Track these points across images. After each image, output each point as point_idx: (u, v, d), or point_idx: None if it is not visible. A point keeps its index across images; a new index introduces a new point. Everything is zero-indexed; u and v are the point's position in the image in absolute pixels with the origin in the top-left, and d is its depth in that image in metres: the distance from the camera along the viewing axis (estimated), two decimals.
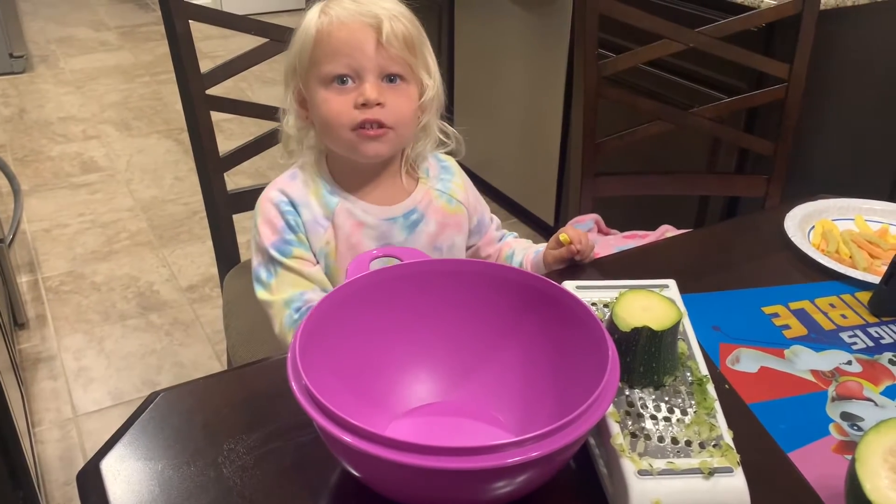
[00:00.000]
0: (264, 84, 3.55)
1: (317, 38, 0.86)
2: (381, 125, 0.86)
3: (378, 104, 0.85)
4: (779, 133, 1.49)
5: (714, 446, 0.62)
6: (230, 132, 2.92)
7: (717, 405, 0.65)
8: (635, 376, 0.66)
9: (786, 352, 0.84)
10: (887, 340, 0.86)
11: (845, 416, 0.75)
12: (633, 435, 0.63)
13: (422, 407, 0.72)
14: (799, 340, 0.85)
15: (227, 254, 1.37)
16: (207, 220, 1.38)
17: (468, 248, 1.03)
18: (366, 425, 0.55)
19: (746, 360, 0.82)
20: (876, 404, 0.77)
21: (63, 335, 1.98)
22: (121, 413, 1.73)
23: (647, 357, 0.65)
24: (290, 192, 0.92)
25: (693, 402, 0.65)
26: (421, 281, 0.72)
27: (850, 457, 0.70)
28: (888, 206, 1.10)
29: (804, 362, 0.82)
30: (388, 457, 0.54)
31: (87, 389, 1.81)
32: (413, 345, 0.73)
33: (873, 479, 0.58)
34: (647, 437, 0.63)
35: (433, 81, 0.90)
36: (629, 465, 0.60)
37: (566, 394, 0.67)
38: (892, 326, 0.88)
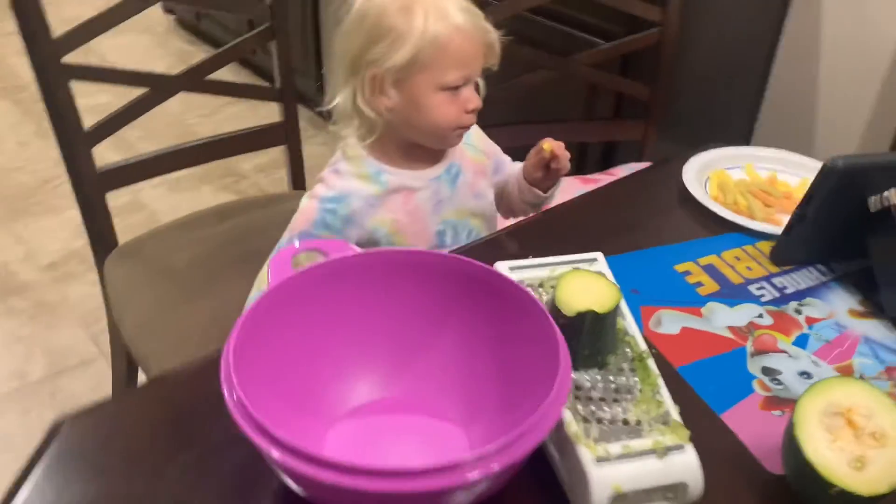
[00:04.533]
0: None
1: (439, 44, 0.87)
2: None
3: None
4: (654, 77, 1.52)
5: (663, 423, 0.63)
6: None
7: (661, 381, 0.66)
8: (579, 359, 0.65)
9: (702, 310, 0.86)
10: (790, 290, 0.90)
11: (766, 370, 0.79)
12: (585, 420, 0.62)
13: (364, 406, 0.69)
14: (712, 297, 0.88)
15: (101, 236, 1.26)
16: (76, 199, 1.25)
17: (497, 187, 1.10)
18: (306, 433, 0.52)
19: (668, 322, 0.84)
20: (789, 355, 0.81)
21: None
22: None
23: (591, 339, 0.65)
24: (337, 184, 0.95)
25: (636, 380, 0.66)
26: (350, 276, 0.68)
27: (777, 412, 0.73)
28: (776, 154, 1.15)
29: (720, 319, 0.85)
30: (336, 482, 0.51)
31: None
32: (349, 343, 0.69)
33: (812, 442, 0.61)
34: (599, 421, 0.62)
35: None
36: (586, 453, 0.60)
37: (512, 381, 0.66)
38: (793, 276, 0.93)
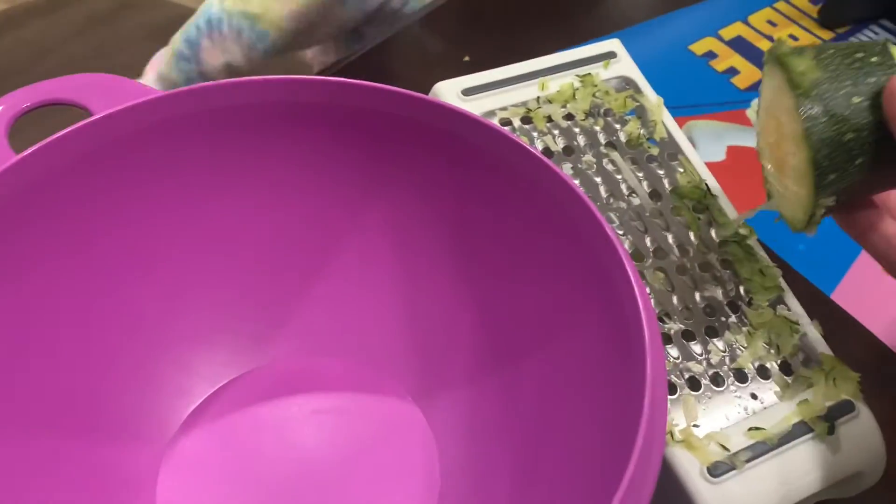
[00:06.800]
0: None
1: None
2: None
3: None
4: None
5: (804, 364, 0.33)
6: None
7: (780, 276, 0.35)
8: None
9: (748, 112, 0.54)
10: None
11: None
12: (671, 388, 0.32)
13: (230, 389, 0.36)
14: (756, 90, 0.56)
15: None
16: None
17: None
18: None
19: (706, 140, 0.52)
20: None
21: None
22: None
23: None
24: None
25: (735, 279, 0.35)
26: (158, 147, 0.32)
27: None
28: None
29: None
30: None
31: None
32: (177, 286, 0.34)
33: None
34: (692, 384, 0.32)
35: None
36: (687, 460, 0.30)
37: (501, 318, 0.34)
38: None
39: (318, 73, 0.56)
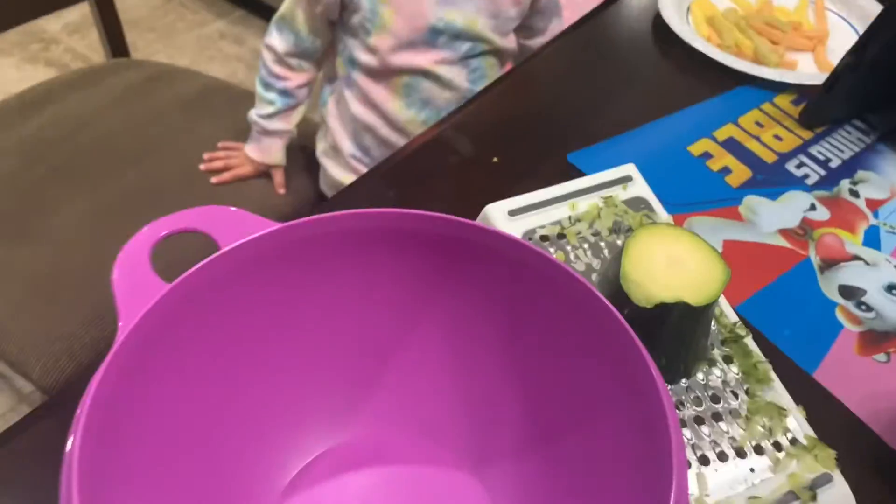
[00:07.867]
0: None
1: None
2: None
3: None
4: None
5: (791, 442, 0.41)
6: None
7: (770, 369, 0.43)
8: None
9: (740, 209, 0.63)
10: (835, 163, 0.68)
11: (845, 291, 0.58)
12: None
13: (314, 465, 0.43)
14: (748, 188, 0.65)
15: None
16: None
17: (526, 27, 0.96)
18: None
19: (704, 235, 0.60)
20: (866, 262, 0.60)
21: None
22: None
23: (676, 343, 0.40)
24: None
25: (736, 373, 0.43)
26: (263, 272, 0.40)
27: (880, 356, 0.53)
28: None
29: (766, 220, 0.62)
30: None
31: None
32: (273, 377, 0.42)
33: None
34: (703, 461, 0.40)
35: None
36: None
37: (545, 399, 0.42)
38: (830, 141, 0.71)
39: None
